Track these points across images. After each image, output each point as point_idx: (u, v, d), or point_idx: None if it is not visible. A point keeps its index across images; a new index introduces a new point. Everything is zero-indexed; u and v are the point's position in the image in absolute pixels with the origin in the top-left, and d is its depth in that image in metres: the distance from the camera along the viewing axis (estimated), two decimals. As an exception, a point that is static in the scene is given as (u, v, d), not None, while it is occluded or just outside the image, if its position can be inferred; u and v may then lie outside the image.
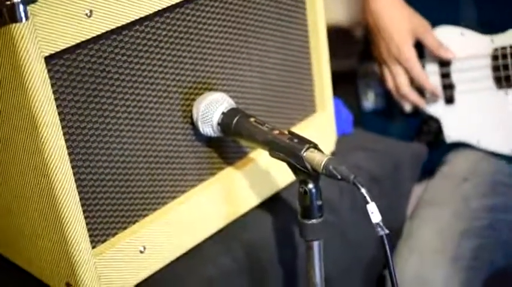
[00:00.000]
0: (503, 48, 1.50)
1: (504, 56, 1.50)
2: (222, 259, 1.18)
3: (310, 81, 1.31)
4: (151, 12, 1.03)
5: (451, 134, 1.62)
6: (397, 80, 1.58)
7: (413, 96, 1.59)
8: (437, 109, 1.63)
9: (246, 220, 1.25)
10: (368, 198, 0.97)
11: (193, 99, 1.12)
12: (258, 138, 1.06)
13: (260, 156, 1.23)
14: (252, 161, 1.23)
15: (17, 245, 1.14)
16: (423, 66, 1.61)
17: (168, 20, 1.07)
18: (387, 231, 0.97)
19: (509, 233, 1.49)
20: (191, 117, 1.12)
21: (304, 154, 1.01)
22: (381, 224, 0.97)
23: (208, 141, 1.17)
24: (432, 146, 1.63)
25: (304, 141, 1.02)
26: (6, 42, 0.92)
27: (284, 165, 1.05)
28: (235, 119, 1.09)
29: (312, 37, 1.28)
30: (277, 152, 1.04)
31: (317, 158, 1.00)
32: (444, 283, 1.37)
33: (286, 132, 1.05)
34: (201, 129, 1.12)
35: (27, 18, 0.90)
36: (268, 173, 1.25)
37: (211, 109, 1.10)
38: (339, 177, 0.99)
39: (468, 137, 1.59)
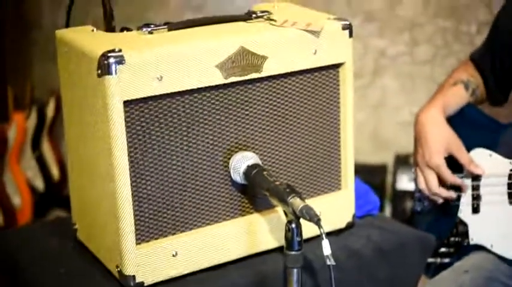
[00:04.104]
0: (517, 170, 1.83)
1: (516, 176, 1.82)
2: (236, 278, 1.56)
3: (338, 164, 1.69)
4: (207, 85, 1.48)
5: (474, 237, 1.92)
6: (428, 181, 1.91)
7: (444, 192, 1.91)
8: (466, 216, 1.94)
9: (266, 257, 1.62)
10: (324, 236, 1.34)
11: (232, 154, 1.54)
12: (264, 185, 1.47)
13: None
14: (276, 213, 1.61)
15: (93, 236, 1.60)
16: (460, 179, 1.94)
17: (221, 94, 1.51)
18: (334, 263, 1.33)
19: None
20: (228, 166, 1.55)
21: (290, 200, 1.40)
22: (330, 256, 1.33)
23: (243, 189, 1.58)
24: (460, 246, 1.94)
25: (292, 192, 1.41)
26: (101, 86, 1.40)
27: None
28: (255, 171, 1.50)
29: (342, 129, 1.67)
30: (274, 197, 1.43)
31: (297, 204, 1.39)
32: None
33: (285, 184, 1.44)
34: (232, 176, 1.54)
35: (115, 73, 1.38)
36: (288, 225, 1.62)
37: (241, 162, 1.52)
38: (308, 218, 1.36)
39: (484, 242, 1.89)
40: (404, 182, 3.37)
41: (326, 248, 1.34)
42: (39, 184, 3.50)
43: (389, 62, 3.52)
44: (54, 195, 3.53)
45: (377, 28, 3.50)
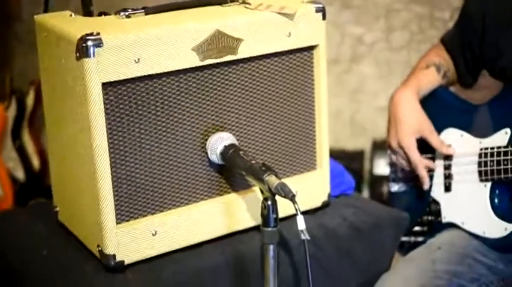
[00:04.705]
0: (486, 149, 1.87)
1: (486, 155, 1.87)
2: (214, 256, 1.60)
3: (313, 144, 1.74)
4: (182, 67, 1.51)
5: (446, 216, 1.97)
6: (405, 159, 1.96)
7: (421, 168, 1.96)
8: (439, 195, 1.99)
9: (243, 236, 1.66)
10: (299, 212, 1.38)
11: (209, 135, 1.58)
12: (240, 165, 1.50)
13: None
14: (253, 192, 1.65)
15: (73, 217, 1.63)
16: (433, 159, 1.99)
17: (198, 76, 1.55)
18: (308, 237, 1.37)
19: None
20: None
21: (266, 178, 1.44)
22: (304, 231, 1.37)
23: (220, 169, 1.62)
24: (433, 224, 1.99)
25: (268, 170, 1.45)
26: (80, 69, 1.43)
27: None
28: (231, 151, 1.54)
29: (317, 110, 1.71)
30: (250, 175, 1.47)
31: (272, 181, 1.43)
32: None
33: (261, 163, 1.48)
34: (209, 156, 1.57)
35: (94, 56, 1.41)
36: (265, 204, 1.66)
37: (217, 142, 1.56)
38: (282, 194, 1.40)
39: (456, 219, 1.94)
40: (382, 167, 3.42)
41: (300, 223, 1.38)
42: (20, 174, 3.52)
43: (366, 49, 3.56)
44: (35, 185, 3.54)
45: (353, 15, 3.54)
